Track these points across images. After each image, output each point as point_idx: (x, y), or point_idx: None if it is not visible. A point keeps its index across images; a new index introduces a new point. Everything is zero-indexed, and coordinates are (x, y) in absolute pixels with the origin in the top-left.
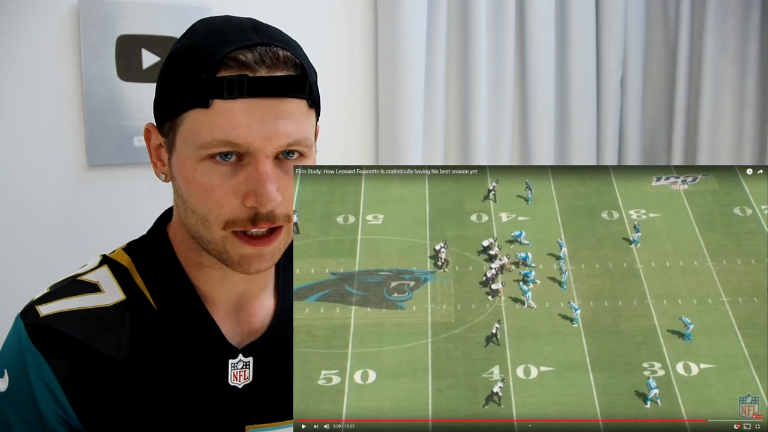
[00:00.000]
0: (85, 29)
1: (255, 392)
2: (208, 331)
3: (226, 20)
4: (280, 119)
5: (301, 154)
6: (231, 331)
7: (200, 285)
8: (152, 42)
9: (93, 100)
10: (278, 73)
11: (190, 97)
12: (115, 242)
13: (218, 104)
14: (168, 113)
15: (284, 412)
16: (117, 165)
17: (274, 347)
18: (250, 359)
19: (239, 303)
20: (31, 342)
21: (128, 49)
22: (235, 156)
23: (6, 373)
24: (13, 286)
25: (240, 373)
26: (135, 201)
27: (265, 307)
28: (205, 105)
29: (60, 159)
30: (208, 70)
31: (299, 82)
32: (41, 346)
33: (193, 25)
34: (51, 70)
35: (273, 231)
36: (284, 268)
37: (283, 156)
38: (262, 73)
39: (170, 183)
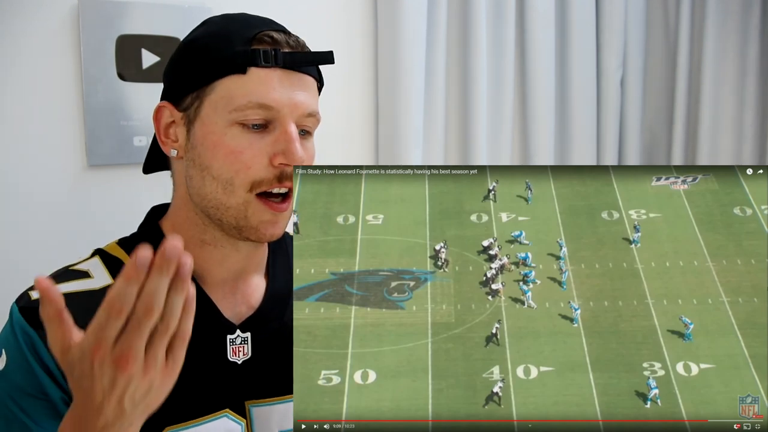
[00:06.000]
0: (85, 29)
1: (254, 368)
2: (204, 308)
3: (246, 15)
4: (301, 90)
5: (308, 132)
6: (230, 310)
7: (198, 265)
8: (152, 42)
9: (93, 100)
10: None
11: (226, 65)
12: None
13: (254, 71)
14: (193, 85)
15: (283, 388)
16: (117, 165)
17: (270, 324)
18: (248, 334)
19: (236, 284)
20: (24, 320)
21: (128, 49)
22: (262, 126)
23: (4, 352)
24: (13, 286)
25: (239, 348)
26: (135, 201)
27: (259, 287)
28: (243, 71)
29: (60, 159)
30: (243, 43)
31: (316, 60)
32: (33, 323)
33: (209, 19)
34: (51, 70)
35: (287, 197)
36: (274, 250)
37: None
38: (288, 50)
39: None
